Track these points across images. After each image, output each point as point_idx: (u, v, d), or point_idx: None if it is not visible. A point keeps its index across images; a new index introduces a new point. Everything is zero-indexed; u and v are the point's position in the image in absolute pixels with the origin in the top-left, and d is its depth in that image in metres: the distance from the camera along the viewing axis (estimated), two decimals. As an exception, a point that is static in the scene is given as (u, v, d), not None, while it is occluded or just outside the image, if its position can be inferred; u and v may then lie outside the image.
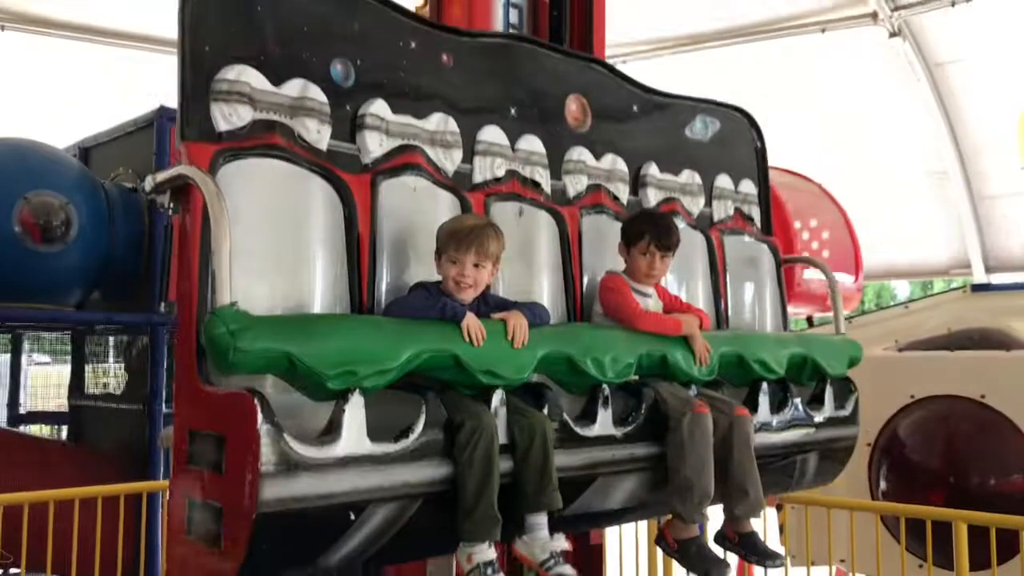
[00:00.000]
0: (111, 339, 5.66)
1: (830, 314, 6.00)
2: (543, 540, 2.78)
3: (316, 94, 2.83)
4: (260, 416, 2.27)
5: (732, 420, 3.34)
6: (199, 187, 2.42)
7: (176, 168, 2.53)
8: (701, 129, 4.45)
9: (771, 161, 4.92)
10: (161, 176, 2.53)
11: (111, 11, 9.05)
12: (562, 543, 2.78)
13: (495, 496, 2.65)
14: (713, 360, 3.48)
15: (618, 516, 3.48)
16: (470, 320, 2.79)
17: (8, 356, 6.39)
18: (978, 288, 3.79)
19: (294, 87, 2.79)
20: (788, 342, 4.07)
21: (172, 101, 2.89)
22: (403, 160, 3.12)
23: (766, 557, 3.33)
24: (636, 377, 3.23)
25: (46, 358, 7.00)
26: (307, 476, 2.36)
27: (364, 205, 3.00)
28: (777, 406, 3.76)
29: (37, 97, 8.98)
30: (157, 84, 8.69)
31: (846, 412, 4.14)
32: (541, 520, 2.79)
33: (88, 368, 5.72)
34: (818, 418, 3.93)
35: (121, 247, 4.89)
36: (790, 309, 5.72)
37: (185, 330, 2.50)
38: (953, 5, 8.19)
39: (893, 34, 8.64)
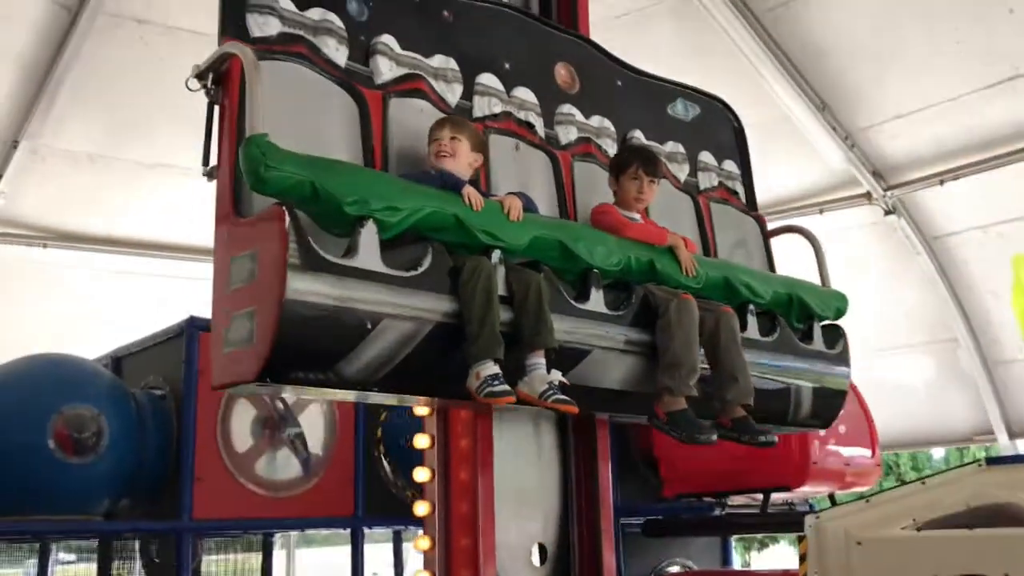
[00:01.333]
0: (137, 541, 5.74)
1: (854, 490, 5.99)
2: (541, 375, 3.07)
3: (334, 19, 3.35)
4: (288, 218, 2.64)
5: (719, 317, 3.66)
6: (239, 55, 2.88)
7: (220, 48, 3.01)
8: (683, 110, 4.82)
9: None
10: (207, 60, 3.03)
11: (143, 223, 9.60)
12: (558, 376, 3.11)
13: (496, 323, 2.95)
14: (700, 272, 3.78)
15: (614, 400, 3.66)
16: (469, 188, 3.19)
17: (35, 561, 6.43)
18: (994, 461, 3.82)
19: (316, 12, 3.31)
20: (774, 278, 4.37)
21: (200, 311, 3.22)
22: (410, 85, 3.57)
23: (758, 435, 3.57)
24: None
25: (71, 556, 7.04)
26: (328, 277, 2.68)
27: (377, 117, 3.42)
28: (766, 331, 4.02)
29: (74, 309, 9.38)
30: (187, 294, 9.20)
31: (835, 351, 4.34)
32: (539, 359, 3.09)
33: (114, 568, 5.78)
34: (807, 348, 4.18)
35: (151, 454, 5.05)
36: (808, 489, 5.72)
37: (223, 187, 2.95)
38: (942, 184, 8.56)
39: (888, 212, 8.98)
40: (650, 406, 3.55)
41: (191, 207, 9.55)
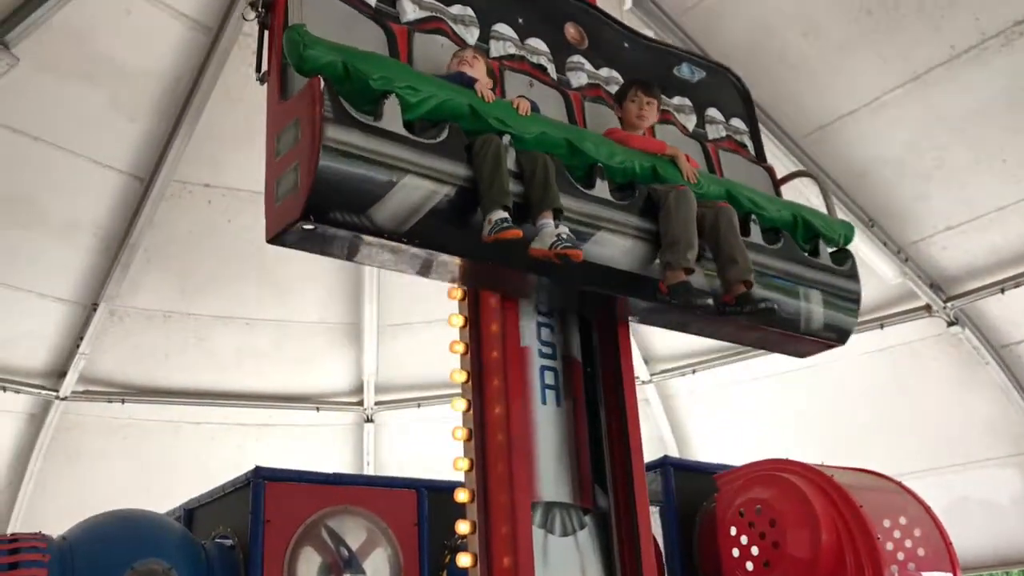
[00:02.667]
0: None
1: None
2: (550, 231, 3.40)
3: None
4: (322, 83, 3.13)
5: (717, 210, 3.98)
6: None
7: None
8: (688, 72, 5.12)
9: (840, 461, 5.04)
10: None
11: (214, 374, 9.92)
12: (565, 229, 3.45)
13: (505, 182, 3.34)
14: (701, 180, 4.11)
15: (620, 281, 3.88)
16: (481, 83, 3.68)
17: None
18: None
19: None
20: (778, 200, 4.64)
21: (270, 460, 3.39)
22: (432, 25, 4.02)
23: (760, 301, 3.88)
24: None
25: None
26: (358, 132, 3.13)
27: (403, 47, 3.86)
28: (770, 241, 4.28)
29: (153, 461, 9.65)
30: (259, 441, 9.43)
31: (844, 268, 4.53)
32: (547, 219, 3.43)
33: None
34: (813, 260, 4.38)
35: (219, 604, 5.07)
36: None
37: (271, 85, 3.53)
38: (1003, 292, 8.44)
39: (951, 323, 8.84)
40: (655, 287, 3.86)
41: (259, 355, 9.92)
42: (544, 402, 4.09)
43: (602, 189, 3.81)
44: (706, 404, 10.57)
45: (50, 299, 9.02)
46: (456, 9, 4.14)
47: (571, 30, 4.63)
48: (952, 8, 7.04)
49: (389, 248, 3.41)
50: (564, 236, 3.42)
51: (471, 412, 3.99)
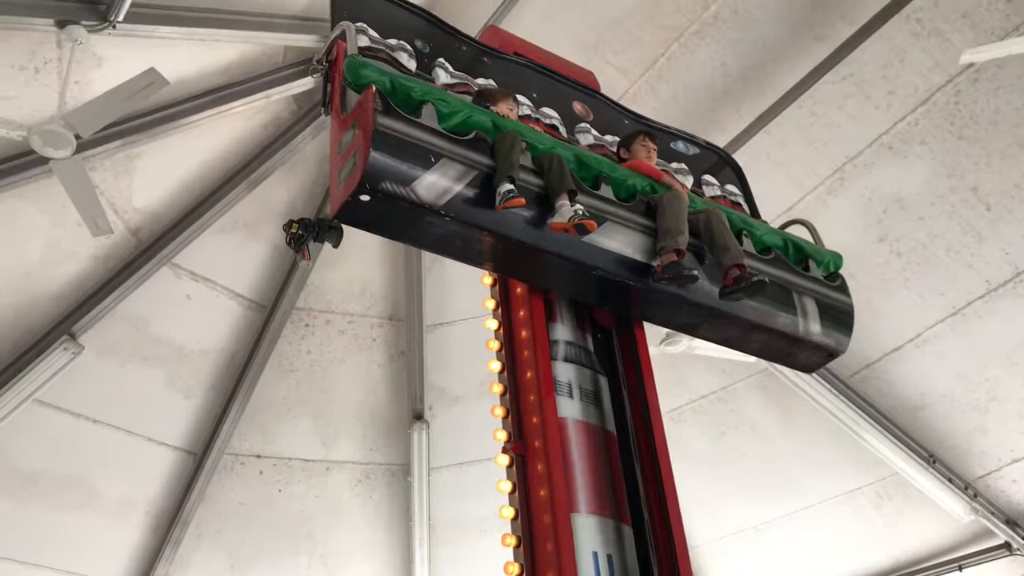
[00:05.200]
0: None
1: None
2: (567, 209, 3.95)
3: (405, 45, 4.71)
4: (374, 88, 3.86)
5: (708, 212, 4.51)
6: (345, 28, 4.35)
7: (331, 36, 4.48)
8: (684, 148, 5.69)
9: None
10: (323, 50, 4.51)
11: None
12: (580, 206, 3.98)
13: (515, 159, 3.93)
14: (694, 199, 4.62)
15: (625, 266, 4.25)
16: (503, 107, 4.54)
17: None
18: None
19: (392, 40, 4.68)
20: (771, 227, 5.05)
21: None
22: (463, 89, 4.75)
23: (752, 277, 4.19)
24: None
25: None
26: (403, 123, 3.82)
27: None
28: (762, 252, 4.72)
29: None
30: None
31: (835, 283, 4.95)
32: (563, 200, 3.98)
33: None
34: (803, 272, 4.78)
35: None
36: None
37: (335, 114, 4.22)
38: (1084, 524, 8.03)
39: (1034, 561, 8.34)
40: (652, 271, 4.26)
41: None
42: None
43: (606, 191, 4.35)
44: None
45: (100, 582, 8.89)
46: (481, 81, 4.92)
47: (578, 106, 5.41)
48: (981, 245, 7.21)
49: (430, 222, 3.89)
50: (580, 211, 3.94)
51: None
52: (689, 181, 5.47)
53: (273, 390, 9.10)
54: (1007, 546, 8.47)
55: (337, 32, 4.47)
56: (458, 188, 3.88)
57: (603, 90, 6.35)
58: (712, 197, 5.44)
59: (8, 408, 7.64)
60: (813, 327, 4.72)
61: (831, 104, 7.15)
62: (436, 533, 9.72)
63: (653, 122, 5.79)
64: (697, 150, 5.84)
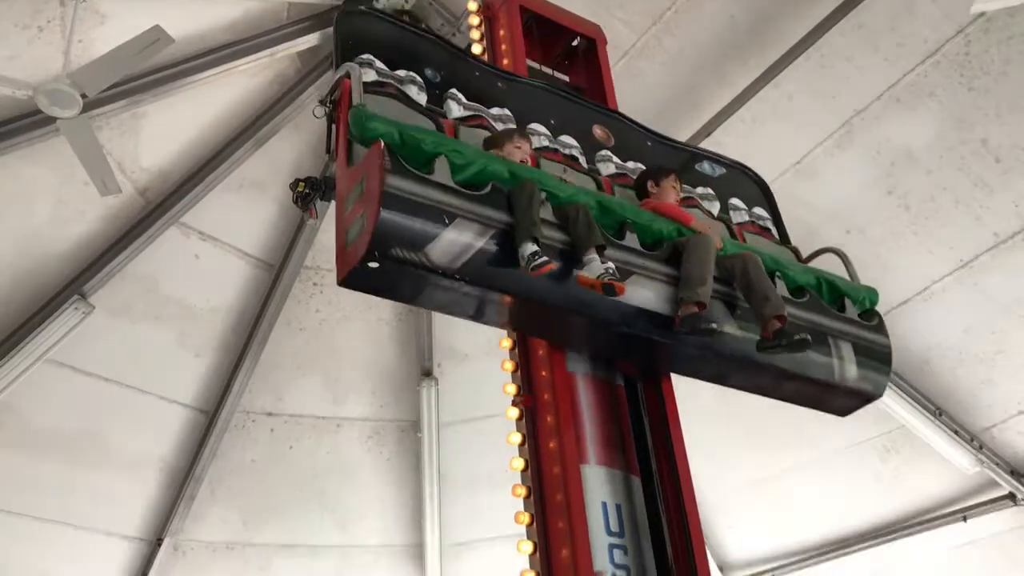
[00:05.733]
0: None
1: None
2: (597, 265, 3.74)
3: (416, 76, 4.46)
4: (383, 144, 3.63)
5: (745, 258, 4.29)
6: (350, 72, 4.08)
7: (335, 76, 4.19)
8: (709, 169, 5.47)
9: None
10: (328, 91, 4.22)
11: None
12: (611, 264, 3.76)
13: (535, 215, 3.70)
14: (726, 244, 4.41)
15: (651, 322, 4.06)
16: (512, 148, 4.26)
17: None
18: None
19: (401, 72, 4.44)
20: (801, 265, 4.83)
21: None
22: (476, 121, 4.50)
23: (794, 335, 4.03)
24: None
25: None
26: (414, 183, 3.58)
27: (451, 135, 4.19)
28: (796, 295, 4.51)
29: None
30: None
31: (872, 323, 4.69)
32: (592, 255, 3.78)
33: None
34: (839, 313, 4.55)
35: None
36: None
37: (341, 161, 3.92)
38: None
39: (1039, 510, 8.42)
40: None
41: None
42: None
43: (632, 240, 4.16)
44: (790, 612, 10.00)
45: (116, 536, 9.04)
46: (495, 111, 4.69)
47: (598, 131, 5.18)
48: (990, 198, 7.17)
49: (445, 286, 3.70)
50: (611, 270, 3.74)
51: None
52: (715, 207, 5.26)
53: (283, 348, 9.16)
54: (1011, 496, 8.54)
55: (342, 72, 4.20)
56: (474, 249, 3.67)
57: (610, 44, 6.32)
58: (740, 224, 5.26)
59: (21, 367, 7.71)
60: (849, 372, 4.52)
61: (839, 56, 7.08)
62: (447, 488, 9.84)
63: (675, 142, 5.57)
64: (723, 170, 5.58)
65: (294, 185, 4.57)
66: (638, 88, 7.74)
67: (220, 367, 9.03)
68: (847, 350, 4.53)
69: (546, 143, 4.77)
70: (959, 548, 8.73)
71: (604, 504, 4.13)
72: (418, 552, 10.06)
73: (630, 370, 4.57)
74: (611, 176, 4.92)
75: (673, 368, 4.52)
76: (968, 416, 8.43)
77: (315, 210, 4.58)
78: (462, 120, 4.53)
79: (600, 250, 3.84)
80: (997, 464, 8.47)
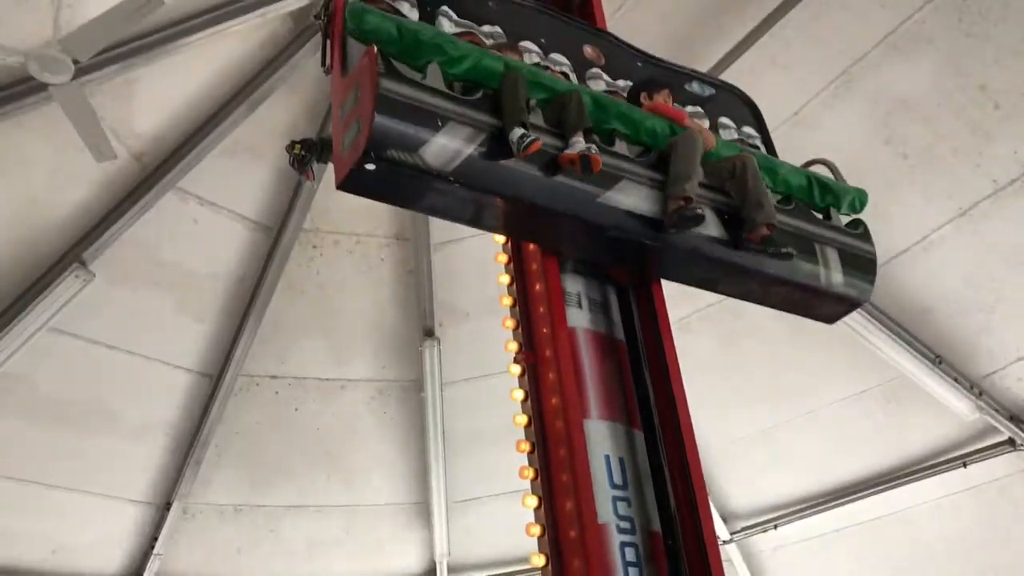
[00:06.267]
0: None
1: None
2: (580, 144, 3.88)
3: None
4: (375, 48, 3.68)
5: (742, 159, 4.35)
6: None
7: None
8: (699, 88, 5.55)
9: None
10: (320, 4, 4.22)
11: (288, 563, 9.82)
12: (593, 145, 3.90)
13: (521, 102, 3.80)
14: (718, 144, 4.56)
15: (641, 224, 4.15)
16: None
17: None
18: None
19: None
20: (793, 167, 4.92)
21: None
22: (467, 38, 4.39)
23: (780, 247, 4.24)
24: None
25: None
26: (407, 86, 3.66)
27: None
28: (783, 203, 4.62)
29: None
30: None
31: (857, 231, 4.84)
32: (578, 137, 3.90)
33: None
34: (825, 221, 4.71)
35: None
36: None
37: (335, 72, 4.00)
38: (1090, 426, 8.13)
39: (1038, 455, 8.49)
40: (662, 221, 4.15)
41: (331, 543, 9.85)
42: (628, 581, 4.02)
43: (621, 148, 4.22)
44: (792, 560, 10.13)
45: (125, 501, 9.14)
46: (487, 28, 4.76)
47: (588, 50, 5.17)
48: (989, 145, 7.15)
49: (440, 190, 3.78)
50: (592, 148, 3.87)
51: (552, 598, 3.93)
52: (705, 124, 5.27)
53: (284, 312, 9.19)
54: (1011, 442, 8.61)
55: None
56: (467, 152, 3.75)
57: (603, -3, 6.25)
58: (730, 141, 5.25)
59: (24, 336, 7.73)
60: (836, 278, 4.63)
61: (835, 4, 7.03)
62: (451, 446, 9.93)
63: (665, 62, 5.56)
64: (712, 91, 5.61)
65: (290, 147, 4.53)
66: (634, 41, 7.63)
67: (222, 331, 9.06)
68: (833, 256, 4.65)
69: (537, 60, 4.83)
70: (959, 494, 8.84)
71: (607, 457, 4.17)
72: (424, 510, 10.19)
73: (621, 278, 4.66)
74: (602, 92, 4.94)
75: (664, 273, 4.61)
76: (968, 363, 8.47)
77: (312, 172, 4.56)
78: (455, 36, 4.53)
79: (587, 133, 3.96)
80: (996, 410, 8.53)
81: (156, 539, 9.24)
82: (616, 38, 5.45)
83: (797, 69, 7.48)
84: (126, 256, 8.24)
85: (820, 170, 5.14)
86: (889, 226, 7.87)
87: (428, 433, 9.82)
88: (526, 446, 4.19)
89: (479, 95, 3.88)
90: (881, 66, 7.18)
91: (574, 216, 4.06)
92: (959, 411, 8.60)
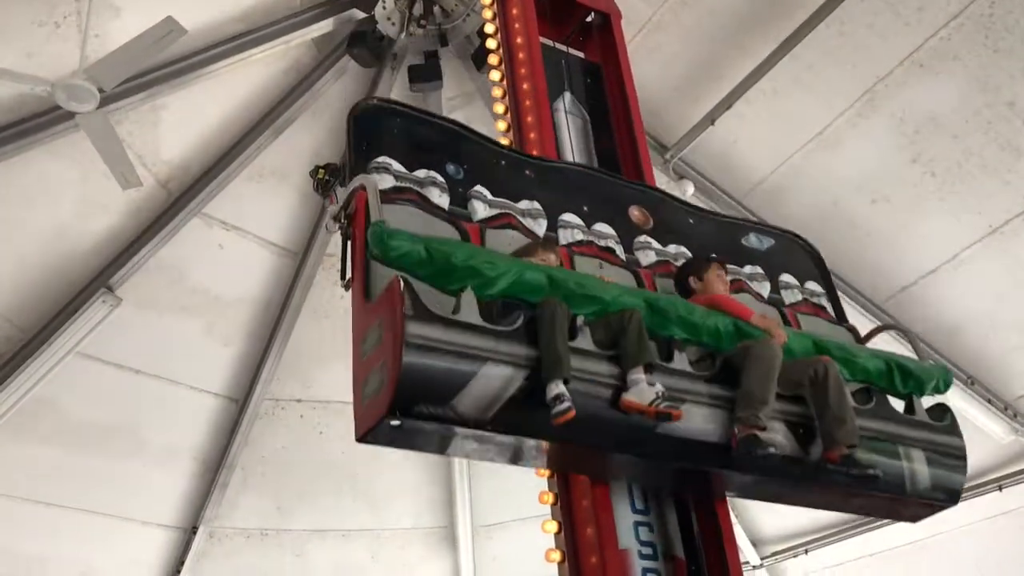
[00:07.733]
0: None
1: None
2: (646, 388, 3.39)
3: (436, 176, 4.11)
4: (402, 283, 3.21)
5: (825, 365, 3.86)
6: (365, 185, 3.68)
7: (348, 188, 3.83)
8: (756, 242, 5.13)
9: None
10: (342, 195, 3.87)
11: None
12: (660, 387, 3.41)
13: (560, 346, 3.29)
14: (791, 342, 3.99)
15: (711, 454, 3.70)
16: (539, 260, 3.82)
17: None
18: None
19: (421, 172, 4.08)
20: (868, 350, 4.44)
21: None
22: (503, 221, 4.18)
23: (866, 468, 3.84)
24: None
25: None
26: (438, 327, 3.18)
27: (476, 242, 3.98)
28: (862, 402, 4.12)
29: None
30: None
31: (944, 423, 4.33)
32: (639, 375, 3.42)
33: None
34: (908, 417, 4.21)
35: None
36: None
37: (356, 289, 3.63)
38: None
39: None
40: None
41: (357, 568, 9.80)
42: (650, 608, 3.94)
43: (681, 361, 3.76)
44: (824, 586, 9.96)
45: (152, 525, 9.17)
46: (524, 204, 4.37)
47: (636, 212, 4.78)
48: (1019, 161, 7.03)
49: (476, 437, 3.38)
50: (663, 393, 3.41)
51: (576, 625, 3.86)
52: (766, 288, 4.91)
53: (309, 336, 9.20)
54: (1050, 454, 8.44)
55: (356, 184, 3.81)
56: (507, 396, 3.31)
57: (625, 18, 6.24)
58: (792, 304, 4.93)
59: (53, 361, 7.81)
60: (922, 483, 4.17)
61: (859, 23, 6.95)
62: (476, 469, 9.88)
63: (718, 215, 5.31)
64: (771, 242, 5.18)
65: (314, 172, 4.47)
66: (656, 63, 7.67)
67: (248, 355, 9.11)
68: (919, 458, 4.18)
69: (580, 236, 4.41)
70: (995, 518, 8.63)
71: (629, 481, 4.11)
72: (450, 534, 10.13)
73: (681, 496, 4.28)
74: (651, 266, 4.58)
75: (727, 492, 4.25)
76: (1001, 384, 8.31)
77: (335, 196, 4.50)
78: (488, 221, 4.19)
79: (648, 368, 3.49)
80: (1032, 431, 8.36)
81: (183, 563, 9.24)
82: (665, 192, 5.07)
83: (821, 88, 7.41)
84: (153, 281, 8.31)
85: (887, 342, 4.77)
86: (918, 245, 7.78)
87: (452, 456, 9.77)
88: (546, 471, 4.15)
89: (519, 322, 3.42)
90: (906, 84, 7.10)
91: (631, 453, 3.68)
92: (993, 433, 8.42)
